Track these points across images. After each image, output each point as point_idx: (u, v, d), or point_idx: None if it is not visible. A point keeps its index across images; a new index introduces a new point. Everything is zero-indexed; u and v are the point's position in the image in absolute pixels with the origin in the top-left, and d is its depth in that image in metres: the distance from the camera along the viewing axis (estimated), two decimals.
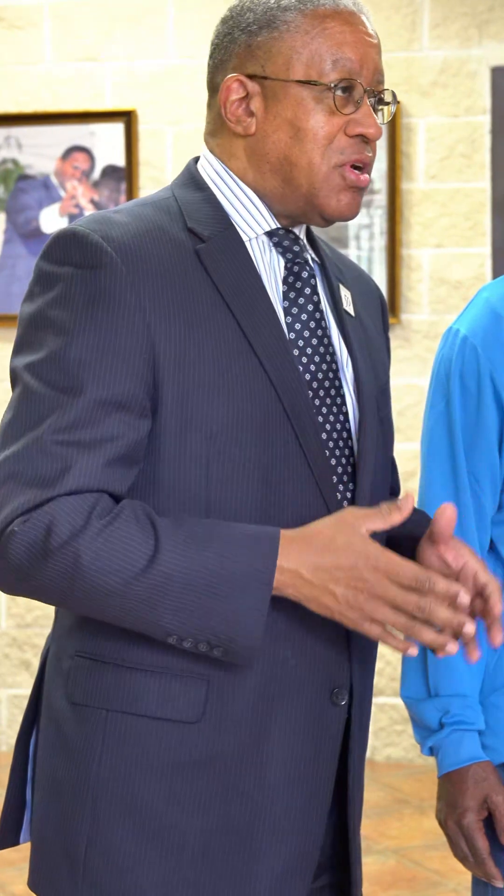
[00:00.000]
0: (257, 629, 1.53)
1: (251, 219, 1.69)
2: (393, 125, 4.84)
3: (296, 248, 1.71)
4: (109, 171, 5.05)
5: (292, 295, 1.69)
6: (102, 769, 1.62)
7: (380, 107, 1.68)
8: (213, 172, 1.71)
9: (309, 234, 1.78)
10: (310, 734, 1.66)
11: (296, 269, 1.71)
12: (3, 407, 1.62)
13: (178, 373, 1.58)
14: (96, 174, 5.05)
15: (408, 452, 4.87)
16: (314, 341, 1.69)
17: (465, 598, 1.53)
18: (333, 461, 1.67)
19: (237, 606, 1.52)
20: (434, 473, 2.01)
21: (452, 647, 1.53)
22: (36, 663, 5.11)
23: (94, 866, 1.63)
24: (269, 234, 1.70)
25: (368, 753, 4.98)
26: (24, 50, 5.10)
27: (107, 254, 1.57)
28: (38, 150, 5.08)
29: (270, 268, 1.69)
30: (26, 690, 5.08)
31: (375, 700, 4.93)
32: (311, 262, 1.74)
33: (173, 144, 5.04)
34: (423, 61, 4.92)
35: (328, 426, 1.67)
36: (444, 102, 4.92)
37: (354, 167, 1.66)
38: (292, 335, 1.68)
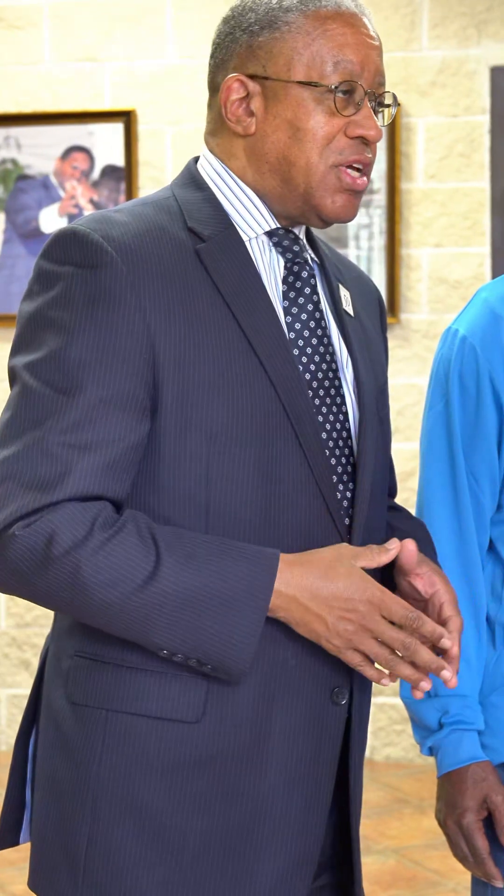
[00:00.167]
0: (248, 652, 1.54)
1: (251, 218, 1.69)
2: (392, 125, 4.84)
3: (296, 248, 1.72)
4: (109, 171, 5.05)
5: (292, 295, 1.70)
6: (102, 769, 1.62)
7: (380, 109, 1.68)
8: (213, 172, 1.71)
9: (309, 234, 1.78)
10: (310, 734, 1.66)
11: (296, 268, 1.71)
12: (3, 407, 1.61)
13: (178, 373, 1.58)
14: (96, 174, 5.05)
15: (407, 452, 4.87)
16: (314, 341, 1.69)
17: (447, 643, 1.61)
18: (333, 461, 1.68)
19: (231, 628, 1.53)
20: (433, 473, 2.01)
21: (426, 685, 1.59)
22: (35, 663, 5.11)
23: (94, 866, 1.63)
24: (269, 233, 1.70)
25: (368, 753, 4.98)
26: (23, 50, 5.10)
27: (107, 253, 1.57)
28: (38, 150, 5.08)
29: (270, 267, 1.69)
30: (26, 690, 5.08)
31: (375, 700, 4.93)
32: (310, 261, 1.75)
33: (173, 144, 5.04)
34: (421, 61, 4.92)
35: (328, 426, 1.68)
36: (442, 102, 4.92)
37: (354, 169, 1.66)
38: (292, 335, 1.68)
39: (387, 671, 1.60)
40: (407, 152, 4.93)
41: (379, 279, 4.89)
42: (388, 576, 1.73)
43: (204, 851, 1.62)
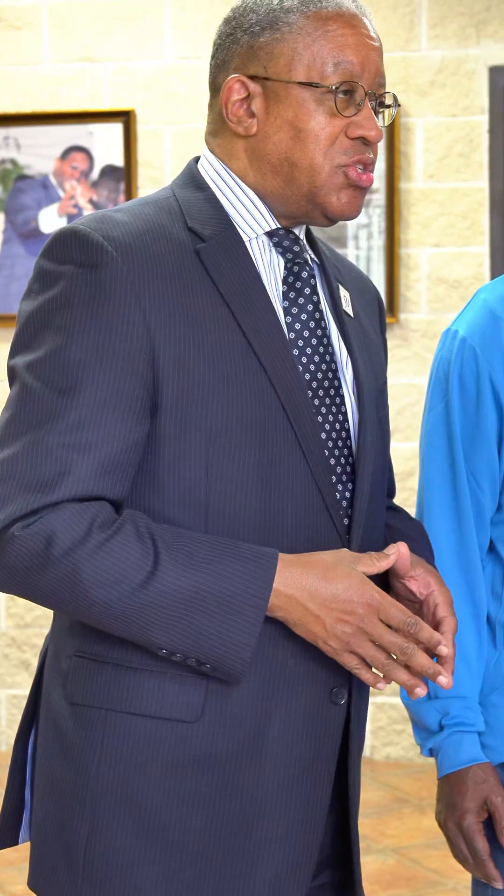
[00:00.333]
0: (247, 651, 1.54)
1: (251, 219, 1.69)
2: (391, 125, 4.84)
3: (296, 249, 1.72)
4: (108, 171, 5.05)
5: (292, 295, 1.70)
6: (101, 769, 1.62)
7: (381, 109, 1.68)
8: (213, 172, 1.71)
9: (308, 234, 1.78)
10: (309, 734, 1.66)
11: (296, 269, 1.71)
12: (2, 407, 1.61)
13: (178, 373, 1.58)
14: (95, 174, 5.05)
15: (406, 452, 4.88)
16: (314, 341, 1.69)
17: (444, 650, 1.61)
18: (332, 461, 1.68)
19: (229, 628, 1.54)
20: (433, 474, 2.01)
21: (421, 691, 1.59)
22: (35, 663, 5.11)
23: (93, 865, 1.63)
24: (269, 234, 1.71)
25: (368, 753, 4.98)
26: (22, 50, 5.10)
27: (107, 253, 1.57)
28: (37, 151, 5.08)
29: (270, 268, 1.70)
30: (25, 690, 5.08)
31: (375, 700, 4.93)
32: (310, 262, 1.75)
33: (172, 144, 5.04)
34: (420, 61, 4.92)
35: (327, 426, 1.68)
36: (442, 102, 4.92)
37: (357, 166, 1.66)
38: (292, 335, 1.68)
39: (382, 675, 1.60)
40: (406, 152, 4.93)
41: (378, 279, 4.89)
42: (382, 578, 1.73)
43: (203, 850, 1.62)
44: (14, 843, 1.79)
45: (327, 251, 1.83)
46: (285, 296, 1.69)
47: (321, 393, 1.68)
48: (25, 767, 1.78)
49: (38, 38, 5.09)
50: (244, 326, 1.62)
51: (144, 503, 1.60)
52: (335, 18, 1.64)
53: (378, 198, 4.91)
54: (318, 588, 1.56)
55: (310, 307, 1.70)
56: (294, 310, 1.69)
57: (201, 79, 4.53)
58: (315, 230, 1.81)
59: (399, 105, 1.72)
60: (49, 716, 1.69)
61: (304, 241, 1.76)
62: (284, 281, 1.70)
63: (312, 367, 1.68)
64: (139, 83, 5.05)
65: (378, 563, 1.61)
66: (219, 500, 1.59)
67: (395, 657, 1.58)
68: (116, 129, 5.03)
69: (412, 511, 2.07)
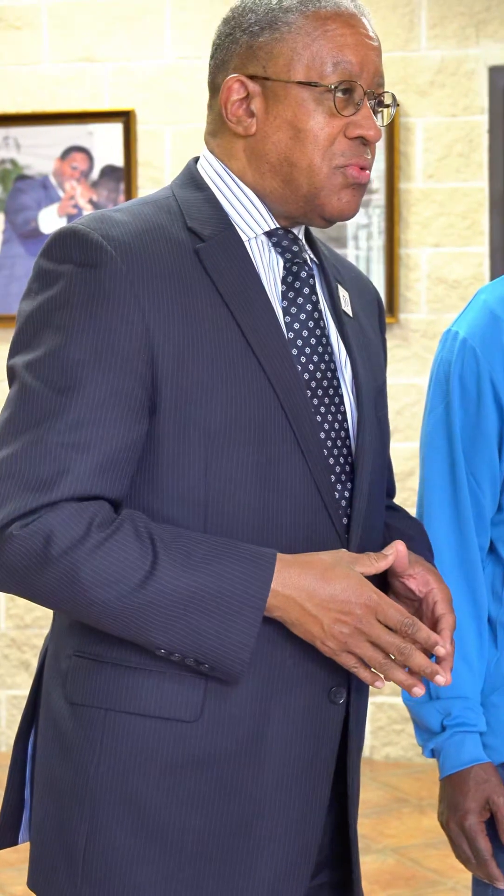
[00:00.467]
0: (245, 651, 1.55)
1: (250, 219, 1.69)
2: (391, 125, 4.84)
3: (295, 249, 1.72)
4: (108, 172, 5.05)
5: (291, 295, 1.70)
6: (101, 768, 1.63)
7: (380, 109, 1.68)
8: (212, 172, 1.71)
9: (308, 234, 1.79)
10: (308, 733, 1.66)
11: (295, 269, 1.71)
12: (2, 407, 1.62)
13: (177, 372, 1.58)
14: (95, 174, 5.05)
15: (406, 452, 4.88)
16: (313, 341, 1.69)
17: (441, 650, 1.61)
18: (331, 460, 1.68)
19: (228, 628, 1.54)
20: (434, 475, 2.01)
21: (419, 691, 1.59)
22: (35, 664, 5.11)
23: (92, 865, 1.63)
24: (269, 234, 1.71)
25: (367, 753, 4.98)
26: (22, 50, 5.10)
27: (107, 252, 1.57)
28: (37, 151, 5.08)
29: (269, 268, 1.70)
30: (25, 691, 5.08)
31: (375, 700, 4.93)
32: (309, 262, 1.75)
33: (172, 144, 5.04)
34: (420, 61, 4.93)
35: (326, 425, 1.68)
36: (441, 102, 4.92)
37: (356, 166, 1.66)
38: (291, 335, 1.68)
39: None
40: (406, 152, 4.93)
41: (378, 279, 4.89)
42: (381, 576, 1.73)
43: (202, 850, 1.62)
44: (14, 843, 1.79)
45: (326, 251, 1.83)
46: (284, 295, 1.69)
47: (320, 392, 1.68)
48: (25, 767, 1.78)
49: (38, 38, 5.09)
50: (243, 326, 1.62)
51: (143, 502, 1.60)
52: (334, 18, 1.64)
53: (378, 198, 4.91)
54: (316, 588, 1.56)
55: (309, 307, 1.70)
56: (293, 309, 1.69)
57: (201, 79, 4.53)
58: (314, 230, 1.81)
59: (398, 105, 1.72)
60: (49, 716, 1.69)
61: (304, 241, 1.76)
62: (283, 281, 1.70)
63: (311, 367, 1.68)
64: (139, 83, 5.05)
65: (376, 563, 1.61)
66: (218, 500, 1.59)
67: (392, 657, 1.58)
68: (116, 129, 5.03)
69: (412, 511, 2.07)
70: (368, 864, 3.99)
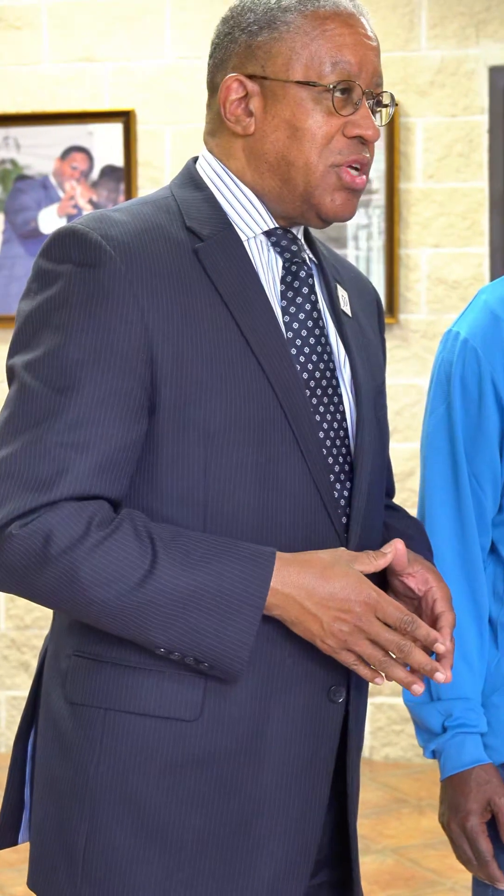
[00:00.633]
0: (244, 650, 1.55)
1: (249, 218, 1.69)
2: (391, 125, 4.84)
3: (294, 248, 1.72)
4: (108, 172, 5.05)
5: (290, 294, 1.70)
6: (101, 768, 1.63)
7: (378, 109, 1.68)
8: (211, 172, 1.71)
9: (307, 234, 1.79)
10: (308, 732, 1.66)
11: (294, 268, 1.71)
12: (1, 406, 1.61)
13: (176, 372, 1.58)
14: (95, 174, 5.05)
15: (405, 452, 4.87)
16: (312, 340, 1.69)
17: (441, 647, 1.61)
18: (331, 460, 1.68)
19: (227, 627, 1.54)
20: (435, 475, 2.01)
21: (419, 688, 1.60)
22: (35, 665, 5.11)
23: (92, 865, 1.63)
24: (268, 233, 1.71)
25: (367, 753, 4.98)
26: (22, 50, 5.10)
27: (106, 252, 1.57)
28: (37, 151, 5.08)
29: (269, 267, 1.70)
30: (25, 692, 5.08)
31: (373, 700, 4.93)
32: (308, 261, 1.75)
33: (172, 144, 5.04)
34: (420, 61, 4.93)
35: (325, 425, 1.68)
36: (441, 102, 4.92)
37: (352, 168, 1.66)
38: (290, 334, 1.68)
39: None
40: (406, 152, 4.93)
41: (378, 279, 4.89)
42: (380, 575, 1.73)
43: (202, 849, 1.62)
44: (14, 843, 1.79)
45: (326, 251, 1.83)
46: (283, 295, 1.69)
47: (319, 392, 1.68)
48: (25, 767, 1.78)
49: (38, 38, 5.09)
50: (242, 325, 1.62)
51: (143, 502, 1.60)
52: (333, 18, 1.64)
53: (378, 198, 4.91)
54: (316, 587, 1.56)
55: (308, 306, 1.70)
56: (292, 309, 1.69)
57: (201, 79, 4.53)
58: (314, 230, 1.81)
59: (396, 104, 1.72)
60: (48, 715, 1.69)
61: (303, 240, 1.76)
62: (282, 280, 1.70)
63: (310, 367, 1.68)
64: (139, 83, 5.05)
65: (375, 561, 1.61)
66: (217, 500, 1.60)
67: (392, 655, 1.58)
68: (116, 129, 5.03)
69: (412, 512, 2.07)
70: (368, 864, 3.99)
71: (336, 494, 1.68)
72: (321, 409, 1.68)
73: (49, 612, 4.80)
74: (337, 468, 1.68)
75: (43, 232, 5.07)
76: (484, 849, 1.93)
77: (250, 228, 1.69)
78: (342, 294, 1.79)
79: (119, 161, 5.03)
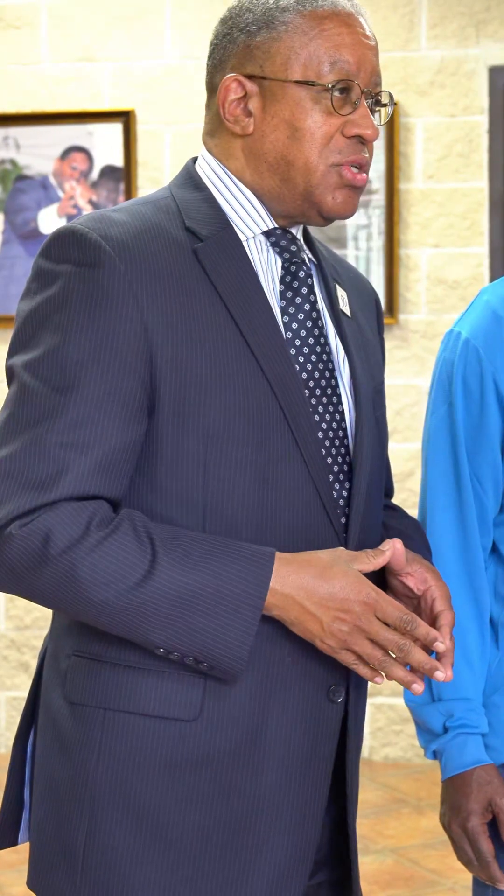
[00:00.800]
0: (244, 650, 1.55)
1: (249, 219, 1.69)
2: (391, 125, 4.85)
3: (293, 248, 1.72)
4: (108, 172, 5.05)
5: (289, 294, 1.70)
6: (100, 768, 1.63)
7: (377, 108, 1.69)
8: (211, 172, 1.71)
9: (306, 234, 1.79)
10: (307, 732, 1.66)
11: (293, 268, 1.71)
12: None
13: (176, 372, 1.58)
14: (94, 174, 5.05)
15: (405, 452, 4.87)
16: (311, 340, 1.69)
17: (441, 646, 1.61)
18: (330, 460, 1.68)
19: (226, 627, 1.54)
20: (436, 476, 2.01)
21: (419, 688, 1.60)
22: (34, 665, 5.11)
23: (92, 864, 1.63)
24: (267, 233, 1.71)
25: (366, 753, 4.98)
26: (21, 50, 5.10)
27: (105, 252, 1.57)
28: (37, 151, 5.08)
29: (268, 267, 1.70)
30: (25, 692, 5.08)
31: (373, 701, 4.93)
32: (308, 262, 1.75)
33: (171, 144, 5.04)
34: (420, 61, 4.93)
35: (324, 425, 1.68)
36: (441, 102, 4.92)
37: (352, 166, 1.66)
38: (289, 334, 1.68)
39: None
40: (405, 152, 4.93)
41: (377, 280, 4.89)
42: (379, 575, 1.73)
43: (201, 848, 1.62)
44: (13, 843, 1.79)
45: (325, 251, 1.83)
46: (282, 295, 1.69)
47: (318, 392, 1.68)
48: (24, 767, 1.78)
49: (38, 37, 5.09)
50: (241, 325, 1.62)
51: (142, 502, 1.60)
52: (331, 17, 1.64)
53: (377, 198, 4.91)
54: (315, 587, 1.56)
55: (307, 306, 1.70)
56: (291, 309, 1.69)
57: (201, 79, 4.53)
58: (314, 230, 1.81)
59: (395, 104, 1.73)
60: (48, 715, 1.69)
61: (302, 240, 1.76)
62: (282, 280, 1.70)
63: (309, 366, 1.68)
64: (139, 83, 5.05)
65: (374, 559, 1.61)
66: (216, 499, 1.60)
67: (392, 654, 1.58)
68: (116, 129, 5.03)
69: (412, 512, 2.07)
70: (367, 864, 3.99)
71: (335, 494, 1.68)
72: (320, 408, 1.68)
73: (49, 612, 4.80)
74: (336, 468, 1.68)
75: (43, 232, 5.07)
76: (485, 849, 1.93)
77: (249, 228, 1.69)
78: (341, 294, 1.79)
79: (119, 161, 5.03)
